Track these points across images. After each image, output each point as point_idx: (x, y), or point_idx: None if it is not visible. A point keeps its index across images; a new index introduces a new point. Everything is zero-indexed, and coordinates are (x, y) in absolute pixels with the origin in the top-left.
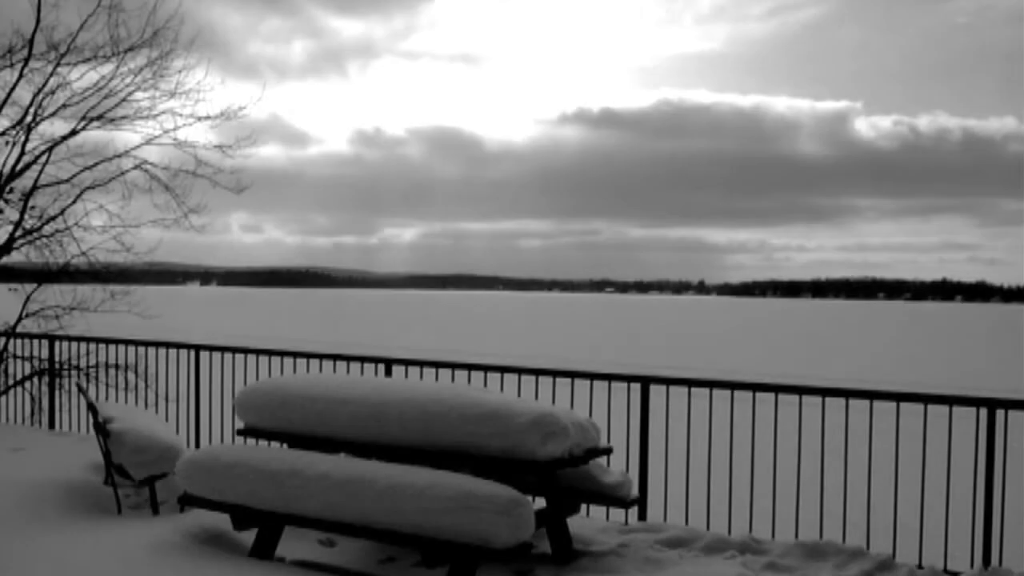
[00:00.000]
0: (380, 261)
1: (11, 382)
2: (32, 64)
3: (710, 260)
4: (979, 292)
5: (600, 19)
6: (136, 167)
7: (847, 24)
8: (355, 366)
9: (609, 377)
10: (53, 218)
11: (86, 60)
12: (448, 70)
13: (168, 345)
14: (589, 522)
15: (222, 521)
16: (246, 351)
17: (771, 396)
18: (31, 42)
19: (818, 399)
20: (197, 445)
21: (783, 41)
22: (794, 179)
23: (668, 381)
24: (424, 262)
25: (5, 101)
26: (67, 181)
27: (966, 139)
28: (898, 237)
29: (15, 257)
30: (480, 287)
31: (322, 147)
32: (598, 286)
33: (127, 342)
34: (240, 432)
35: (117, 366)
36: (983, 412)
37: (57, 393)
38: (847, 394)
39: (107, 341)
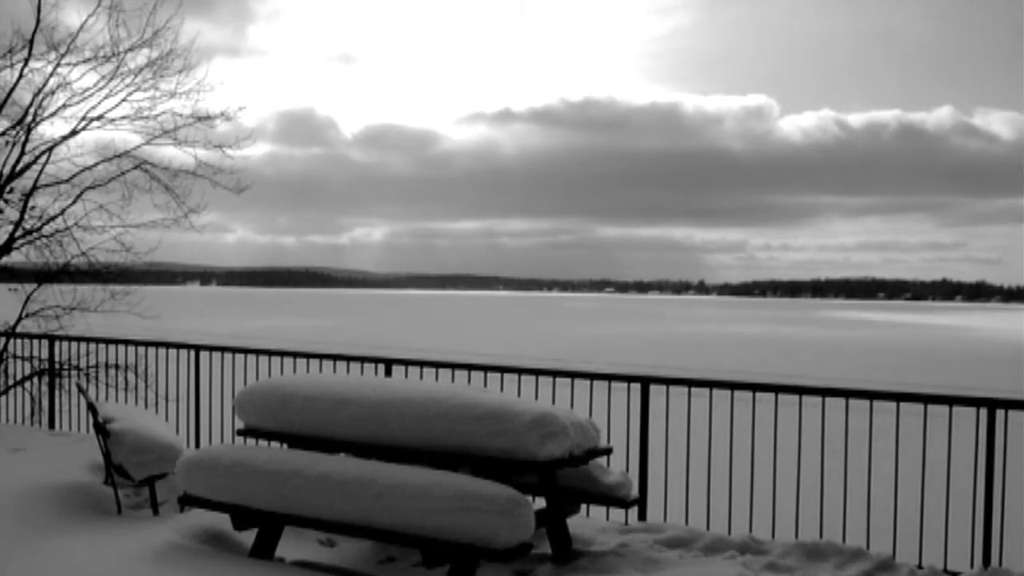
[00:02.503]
0: (355, 260)
1: (11, 382)
2: (32, 64)
3: (695, 260)
4: (979, 292)
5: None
6: (136, 167)
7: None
8: (355, 366)
9: (609, 377)
10: (53, 218)
11: (86, 60)
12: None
13: (168, 345)
14: (589, 522)
15: (222, 521)
16: (246, 351)
17: (771, 396)
18: (31, 42)
19: (818, 399)
20: (197, 445)
21: (692, 41)
22: (732, 178)
23: (668, 381)
24: (399, 261)
25: (5, 101)
26: (67, 181)
27: (904, 131)
28: (883, 236)
29: (15, 257)
30: (480, 287)
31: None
32: (598, 286)
33: (127, 342)
34: (240, 432)
35: (117, 366)
36: (983, 412)
37: (57, 393)
38: (847, 394)
39: (107, 341)
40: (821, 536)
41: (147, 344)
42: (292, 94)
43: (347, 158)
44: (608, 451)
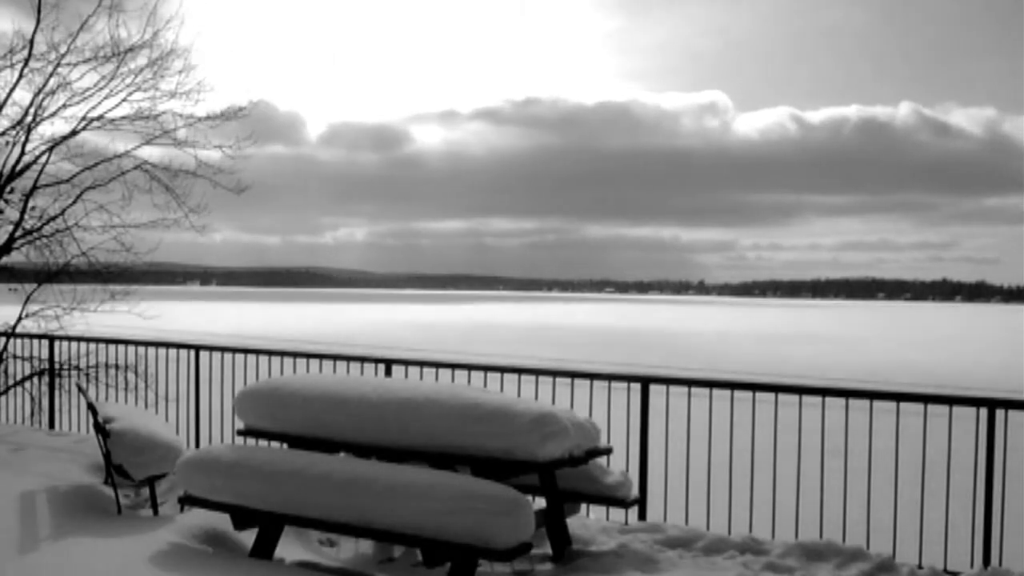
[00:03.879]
0: (346, 259)
1: (11, 382)
2: (32, 64)
3: (685, 260)
4: (979, 292)
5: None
6: (136, 167)
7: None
8: (355, 366)
9: (609, 377)
10: (53, 218)
11: (86, 60)
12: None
13: (168, 345)
14: (589, 522)
15: (222, 521)
16: (246, 351)
17: (771, 396)
18: (31, 42)
19: (818, 399)
20: (197, 445)
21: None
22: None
23: (668, 381)
24: (398, 261)
25: (5, 101)
26: (67, 181)
27: (864, 126)
28: (871, 236)
29: (15, 257)
30: (479, 287)
31: None
32: (598, 286)
33: (127, 342)
34: (240, 432)
35: (117, 366)
36: (983, 412)
37: (57, 393)
38: (847, 394)
39: (107, 341)
40: (821, 536)
41: (147, 344)
42: (253, 89)
43: (314, 157)
44: (608, 451)
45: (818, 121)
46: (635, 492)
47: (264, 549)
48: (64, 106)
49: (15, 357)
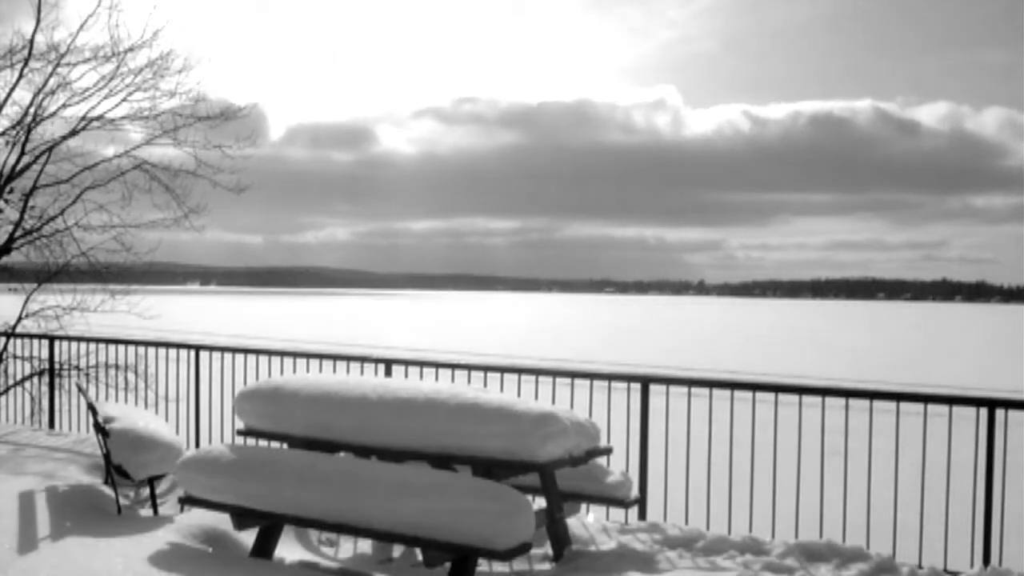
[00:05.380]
0: (333, 259)
1: (11, 382)
2: (32, 64)
3: (674, 260)
4: (979, 292)
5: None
6: (136, 167)
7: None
8: (355, 366)
9: (609, 377)
10: (53, 218)
11: (86, 60)
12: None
13: (168, 345)
14: (589, 522)
15: (222, 521)
16: (246, 351)
17: (771, 396)
18: (31, 42)
19: (818, 399)
20: (197, 445)
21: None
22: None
23: (668, 381)
24: (398, 260)
25: (5, 101)
26: (67, 181)
27: (819, 121)
28: (857, 235)
29: (15, 257)
30: (478, 287)
31: None
32: (598, 286)
33: (127, 342)
34: (240, 433)
35: (117, 366)
36: (983, 412)
37: (57, 393)
38: (847, 394)
39: (107, 341)
40: (821, 536)
41: (147, 344)
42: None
43: (279, 156)
44: (608, 451)
45: (774, 118)
46: (635, 492)
47: (264, 549)
48: (64, 106)
49: (15, 357)
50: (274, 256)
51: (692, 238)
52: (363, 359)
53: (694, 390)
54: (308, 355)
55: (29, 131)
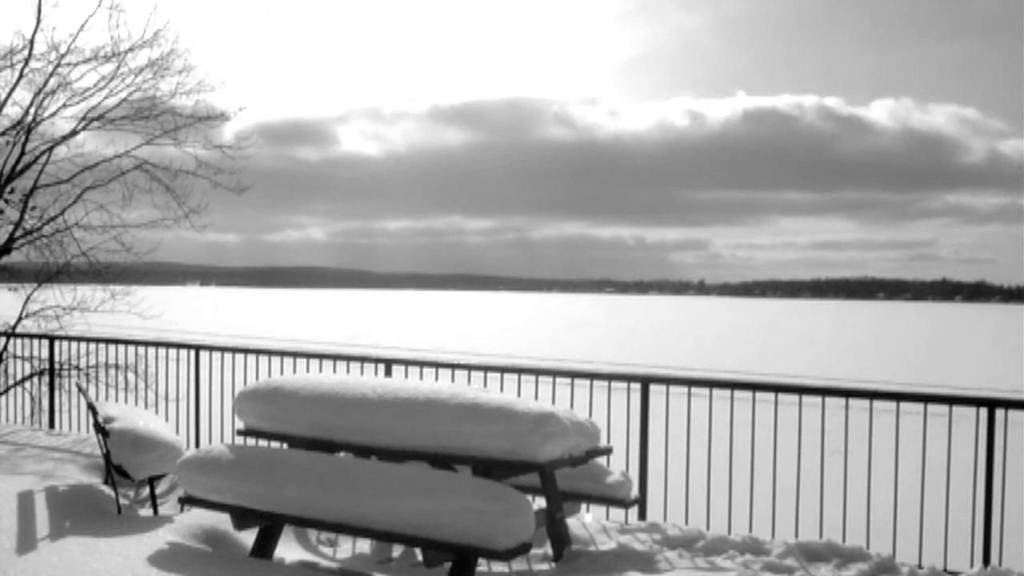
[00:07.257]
0: (323, 258)
1: (11, 382)
2: (32, 64)
3: (660, 258)
4: (979, 292)
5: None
6: (136, 167)
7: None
8: (355, 366)
9: (609, 377)
10: (53, 218)
11: (86, 60)
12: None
13: (168, 345)
14: (589, 522)
15: (222, 521)
16: (246, 351)
17: (771, 396)
18: (31, 42)
19: (818, 399)
20: (197, 445)
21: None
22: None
23: (668, 381)
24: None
25: (5, 101)
26: (67, 181)
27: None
28: (843, 235)
29: (15, 257)
30: (481, 287)
31: None
32: (598, 286)
33: (127, 342)
34: (240, 433)
35: (117, 366)
36: (983, 412)
37: (57, 393)
38: (847, 394)
39: (107, 341)
40: (821, 536)
41: (147, 344)
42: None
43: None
44: (608, 451)
45: (716, 115)
46: (635, 492)
47: (264, 549)
48: (64, 106)
49: (15, 357)
50: (247, 255)
51: (673, 238)
52: (363, 359)
53: (694, 390)
54: (308, 355)
55: (29, 131)
